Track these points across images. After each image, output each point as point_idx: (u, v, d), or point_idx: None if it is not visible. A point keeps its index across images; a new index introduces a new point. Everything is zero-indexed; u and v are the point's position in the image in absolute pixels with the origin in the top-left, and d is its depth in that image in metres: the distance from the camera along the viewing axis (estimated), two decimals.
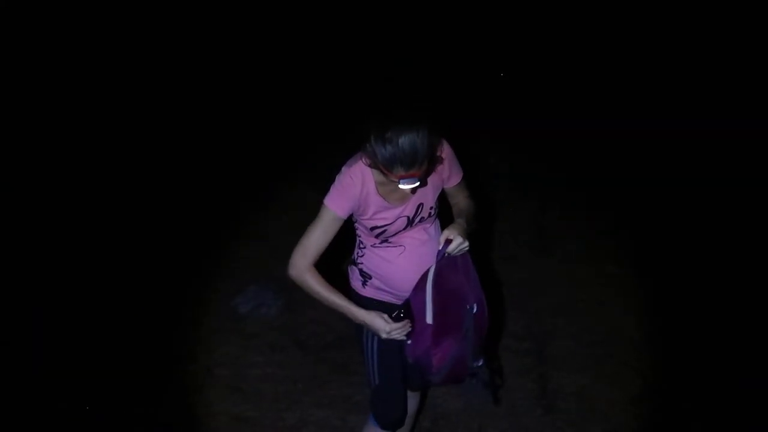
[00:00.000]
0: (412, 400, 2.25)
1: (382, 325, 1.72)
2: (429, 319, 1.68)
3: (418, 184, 1.59)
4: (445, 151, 1.82)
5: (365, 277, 1.94)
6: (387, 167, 1.55)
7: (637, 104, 5.17)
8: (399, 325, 1.71)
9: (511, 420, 2.69)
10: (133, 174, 4.48)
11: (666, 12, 5.57)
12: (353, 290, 2.00)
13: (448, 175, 1.86)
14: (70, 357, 2.90)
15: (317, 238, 1.75)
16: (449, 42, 6.15)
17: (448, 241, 1.69)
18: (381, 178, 1.68)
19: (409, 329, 1.73)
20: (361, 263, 1.92)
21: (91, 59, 5.29)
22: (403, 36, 6.07)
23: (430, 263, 1.78)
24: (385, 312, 1.84)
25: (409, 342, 1.75)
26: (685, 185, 4.18)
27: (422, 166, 1.56)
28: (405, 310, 1.76)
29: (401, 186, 1.57)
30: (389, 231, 1.79)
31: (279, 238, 3.94)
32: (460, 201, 1.95)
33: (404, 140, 1.51)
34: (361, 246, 1.91)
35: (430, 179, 1.79)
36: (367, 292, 1.95)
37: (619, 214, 4.20)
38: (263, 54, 6.14)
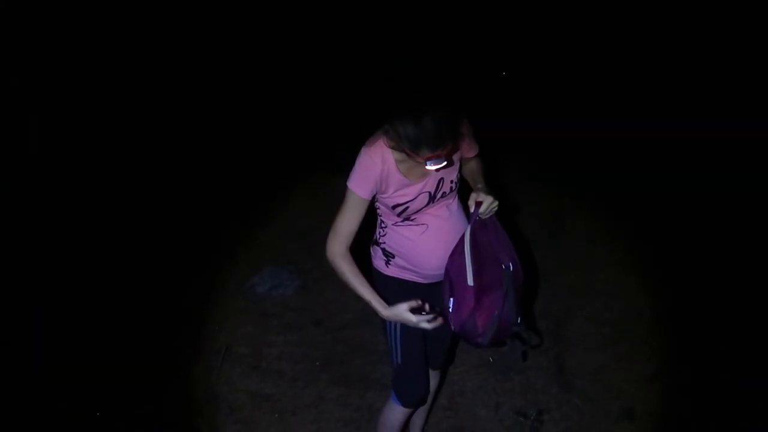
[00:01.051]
0: (433, 379, 2.26)
1: (410, 317, 1.70)
2: (470, 281, 1.67)
3: (444, 164, 1.59)
4: (464, 126, 1.82)
5: (388, 256, 1.93)
6: (413, 149, 1.55)
7: (646, 101, 5.09)
8: (426, 317, 1.70)
9: (527, 397, 2.71)
10: (153, 161, 4.51)
11: (666, 11, 5.47)
12: (376, 270, 1.99)
13: (467, 148, 1.87)
14: (91, 343, 2.93)
15: (347, 221, 1.75)
16: (451, 41, 6.07)
17: (479, 204, 1.70)
18: (401, 156, 1.68)
19: (436, 316, 1.72)
20: (384, 242, 1.92)
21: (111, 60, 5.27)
22: (409, 36, 5.99)
23: (453, 240, 1.80)
24: (408, 291, 1.86)
25: (450, 310, 1.74)
26: (696, 177, 4.15)
27: (447, 146, 1.56)
28: (424, 300, 1.75)
29: (428, 167, 1.57)
30: (411, 208, 1.78)
31: (294, 221, 3.98)
32: (471, 163, 1.95)
33: (428, 121, 1.51)
34: (383, 225, 1.91)
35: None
36: (391, 271, 1.94)
37: (635, 197, 4.17)
38: (282, 52, 6.12)
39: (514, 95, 5.49)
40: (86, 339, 2.94)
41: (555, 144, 4.92)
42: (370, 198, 1.75)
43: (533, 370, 2.85)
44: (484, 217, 1.73)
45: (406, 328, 1.90)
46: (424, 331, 1.98)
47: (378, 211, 1.89)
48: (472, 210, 1.72)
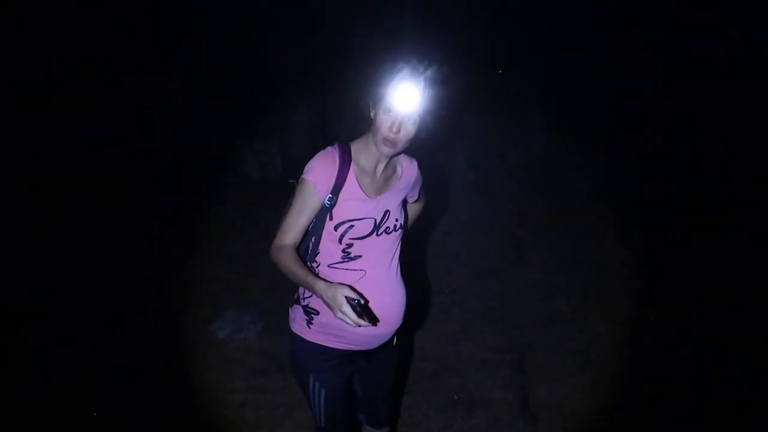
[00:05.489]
0: None
1: (343, 304, 1.51)
2: None
3: (417, 110, 1.61)
4: (417, 173, 1.87)
5: (310, 313, 1.77)
6: (395, 86, 1.60)
7: (617, 115, 5.21)
8: (354, 316, 1.51)
9: None
10: (110, 193, 4.39)
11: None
12: (297, 336, 1.82)
13: (412, 193, 1.91)
14: (51, 382, 2.83)
15: (296, 216, 1.69)
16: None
17: None
18: (362, 161, 1.71)
19: (366, 318, 1.54)
20: (308, 298, 1.76)
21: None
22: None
23: (389, 302, 1.77)
24: (333, 360, 1.78)
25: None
26: (659, 196, 4.29)
27: (424, 92, 1.60)
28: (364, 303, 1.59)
29: (399, 105, 1.60)
30: (355, 230, 1.69)
31: (256, 260, 3.93)
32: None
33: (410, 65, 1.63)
34: (316, 265, 1.75)
35: (394, 193, 1.78)
36: (313, 335, 1.78)
37: (594, 224, 4.28)
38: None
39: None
40: (44, 390, 2.81)
41: (513, 175, 5.04)
42: (322, 198, 1.66)
43: (499, 406, 2.85)
44: None
45: (330, 392, 1.82)
46: (360, 391, 1.96)
47: (317, 249, 1.74)
48: None
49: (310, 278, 1.60)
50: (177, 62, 5.53)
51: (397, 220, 1.78)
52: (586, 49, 5.13)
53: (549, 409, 2.83)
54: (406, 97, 1.61)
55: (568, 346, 3.25)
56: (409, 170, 1.85)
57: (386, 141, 1.64)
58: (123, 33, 5.26)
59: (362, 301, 1.53)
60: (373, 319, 1.62)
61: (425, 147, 1.79)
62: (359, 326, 1.52)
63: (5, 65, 4.54)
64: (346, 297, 1.52)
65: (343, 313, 1.51)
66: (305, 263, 1.70)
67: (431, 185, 1.99)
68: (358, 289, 1.67)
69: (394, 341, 1.93)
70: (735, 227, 3.82)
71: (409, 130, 1.64)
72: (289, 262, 1.65)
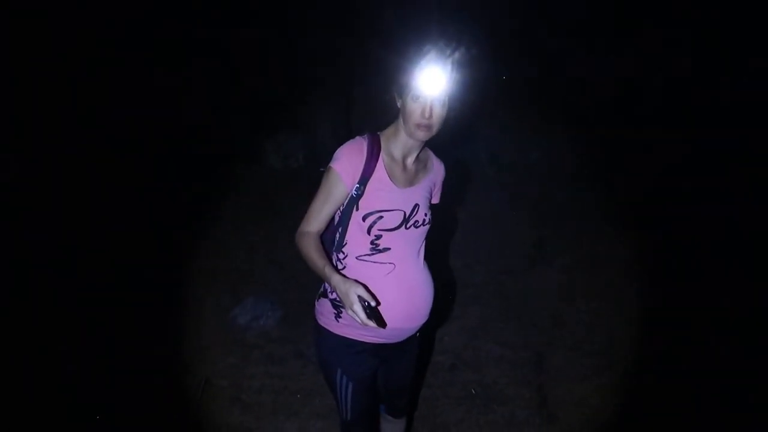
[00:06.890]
0: (398, 426, 2.20)
1: (354, 301, 1.50)
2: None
3: (443, 89, 1.61)
4: (444, 174, 1.89)
5: (338, 307, 1.75)
6: (421, 71, 1.60)
7: (632, 114, 5.19)
8: (362, 315, 1.50)
9: (511, 430, 2.69)
10: (132, 183, 4.46)
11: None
12: (323, 328, 1.81)
13: (436, 194, 1.90)
14: (67, 365, 2.88)
15: (319, 205, 1.69)
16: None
17: None
18: (392, 151, 1.70)
19: (374, 319, 1.52)
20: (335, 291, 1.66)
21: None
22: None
23: (416, 295, 1.75)
24: (362, 354, 1.78)
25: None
26: (680, 197, 4.23)
27: (450, 74, 1.60)
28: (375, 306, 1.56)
29: (427, 89, 1.60)
30: (384, 222, 1.66)
31: (276, 252, 3.96)
32: None
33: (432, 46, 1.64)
34: (342, 257, 1.73)
35: (424, 188, 1.77)
36: (341, 328, 1.77)
37: (615, 225, 4.24)
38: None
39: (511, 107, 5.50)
40: (62, 370, 2.86)
41: (534, 172, 5.01)
42: (348, 185, 1.65)
43: (516, 402, 2.84)
44: None
45: (358, 388, 1.82)
46: (382, 381, 1.96)
47: (343, 239, 1.72)
48: None
49: (327, 269, 1.59)
50: (201, 54, 5.58)
51: (426, 214, 1.76)
52: (613, 46, 5.11)
53: (567, 408, 2.82)
54: (433, 81, 1.60)
55: (587, 347, 3.23)
56: (438, 169, 1.86)
57: (420, 127, 1.64)
58: (150, 26, 5.34)
59: (373, 303, 1.53)
60: (381, 323, 1.61)
61: (447, 139, 1.79)
62: (366, 326, 1.52)
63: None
64: (359, 296, 1.51)
65: (354, 311, 1.50)
66: (327, 253, 1.70)
67: (451, 179, 1.98)
68: (388, 283, 1.68)
69: (417, 332, 1.94)
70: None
71: (439, 112, 1.64)
72: (309, 249, 1.66)
